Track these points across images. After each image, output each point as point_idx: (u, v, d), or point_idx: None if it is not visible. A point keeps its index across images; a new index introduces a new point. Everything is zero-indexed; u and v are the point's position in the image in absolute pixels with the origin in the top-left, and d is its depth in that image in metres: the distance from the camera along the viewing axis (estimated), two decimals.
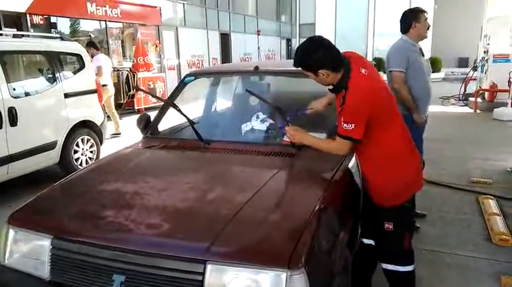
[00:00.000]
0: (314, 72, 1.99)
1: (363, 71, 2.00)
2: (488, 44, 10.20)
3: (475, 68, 11.25)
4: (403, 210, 2.14)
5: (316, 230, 1.63)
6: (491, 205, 3.84)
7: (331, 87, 2.07)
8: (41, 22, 9.31)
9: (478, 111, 9.55)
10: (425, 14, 3.25)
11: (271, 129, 2.87)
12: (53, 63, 4.87)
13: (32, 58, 5.34)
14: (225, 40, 17.69)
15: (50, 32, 8.56)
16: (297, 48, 2.02)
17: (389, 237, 2.15)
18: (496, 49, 9.76)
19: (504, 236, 3.20)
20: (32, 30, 8.78)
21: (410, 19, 3.24)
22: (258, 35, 20.02)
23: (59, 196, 2.17)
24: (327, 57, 1.95)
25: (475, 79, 11.20)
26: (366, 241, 2.34)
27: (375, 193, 2.16)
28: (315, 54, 1.95)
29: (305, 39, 2.07)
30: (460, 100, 10.88)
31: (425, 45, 3.19)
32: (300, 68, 2.04)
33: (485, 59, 10.15)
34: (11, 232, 1.89)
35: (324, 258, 1.66)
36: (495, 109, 8.64)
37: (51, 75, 4.87)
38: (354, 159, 2.34)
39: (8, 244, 1.89)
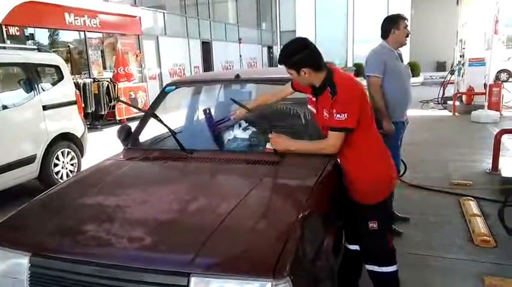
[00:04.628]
0: (297, 71, 2.08)
1: (344, 73, 2.15)
2: (464, 48, 10.45)
3: (452, 72, 11.51)
4: (384, 205, 2.22)
5: (300, 238, 1.63)
6: (472, 206, 3.90)
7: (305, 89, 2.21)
8: (18, 33, 9.15)
9: (456, 114, 9.75)
10: (406, 21, 3.30)
11: (253, 138, 2.86)
12: (31, 75, 4.79)
13: (9, 70, 5.23)
14: (206, 48, 17.69)
15: (27, 43, 8.42)
16: (283, 46, 2.12)
17: (374, 237, 2.19)
18: (472, 53, 10.00)
19: (485, 237, 3.26)
20: (8, 41, 8.62)
21: (390, 25, 3.29)
22: (240, 43, 20.10)
23: (38, 211, 2.11)
24: (310, 57, 2.06)
25: (452, 83, 11.45)
26: (351, 246, 2.36)
27: (360, 192, 2.19)
28: (299, 54, 2.05)
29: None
30: (439, 104, 11.10)
31: (404, 50, 3.26)
32: (282, 69, 2.13)
33: (462, 63, 10.39)
34: None
35: (309, 266, 1.65)
36: (473, 112, 8.83)
37: (28, 88, 4.78)
38: (336, 164, 2.36)
39: None
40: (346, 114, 2.01)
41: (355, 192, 2.22)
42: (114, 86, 10.19)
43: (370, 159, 2.17)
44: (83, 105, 8.13)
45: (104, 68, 12.15)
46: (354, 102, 2.03)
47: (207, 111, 2.75)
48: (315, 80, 2.11)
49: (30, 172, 4.68)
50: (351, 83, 2.10)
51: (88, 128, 6.13)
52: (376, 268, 2.24)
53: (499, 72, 17.03)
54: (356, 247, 2.35)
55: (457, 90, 10.63)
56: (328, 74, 2.09)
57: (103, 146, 7.07)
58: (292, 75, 2.14)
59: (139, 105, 10.38)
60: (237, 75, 2.99)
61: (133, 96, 10.76)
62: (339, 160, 2.31)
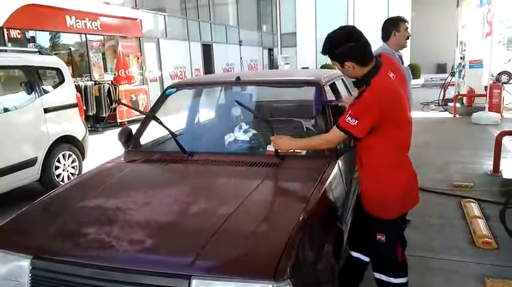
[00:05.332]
0: (340, 63, 1.95)
1: (391, 75, 1.98)
2: (464, 50, 10.45)
3: (452, 74, 11.51)
4: (395, 224, 2.11)
5: (301, 240, 1.63)
6: (473, 208, 3.90)
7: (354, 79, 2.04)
8: (19, 36, 9.17)
9: (457, 116, 9.74)
10: (406, 23, 3.29)
11: (254, 140, 2.86)
12: (32, 78, 4.79)
13: (10, 73, 5.25)
14: (207, 51, 17.72)
15: (29, 46, 8.44)
16: (327, 35, 1.96)
17: (381, 248, 2.13)
18: (472, 55, 10.01)
19: (487, 239, 3.25)
20: (9, 44, 8.64)
21: (390, 28, 3.28)
22: (240, 45, 20.13)
23: (39, 214, 2.12)
24: (354, 50, 1.90)
25: (453, 85, 11.44)
26: (354, 254, 2.33)
27: (368, 203, 2.13)
28: (343, 46, 1.90)
29: (336, 28, 1.98)
30: (439, 105, 11.09)
31: (404, 52, 3.26)
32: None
33: (462, 64, 10.39)
34: None
35: (309, 268, 1.65)
36: (473, 113, 8.82)
37: (29, 90, 4.78)
38: (336, 167, 2.36)
39: None
40: (357, 122, 1.89)
41: (363, 200, 2.16)
42: (115, 88, 10.21)
43: (383, 167, 2.02)
44: (84, 107, 8.13)
45: (105, 70, 12.17)
46: (371, 113, 1.88)
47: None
48: (359, 73, 1.95)
49: (32, 174, 4.68)
50: (381, 93, 1.89)
51: (89, 130, 6.15)
52: (383, 277, 2.17)
53: (500, 74, 17.04)
54: (359, 255, 2.31)
55: (458, 92, 10.63)
56: (372, 70, 1.92)
57: (104, 149, 7.08)
58: (336, 67, 2.02)
59: (140, 108, 10.40)
60: (238, 78, 2.99)
61: (134, 98, 10.78)
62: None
